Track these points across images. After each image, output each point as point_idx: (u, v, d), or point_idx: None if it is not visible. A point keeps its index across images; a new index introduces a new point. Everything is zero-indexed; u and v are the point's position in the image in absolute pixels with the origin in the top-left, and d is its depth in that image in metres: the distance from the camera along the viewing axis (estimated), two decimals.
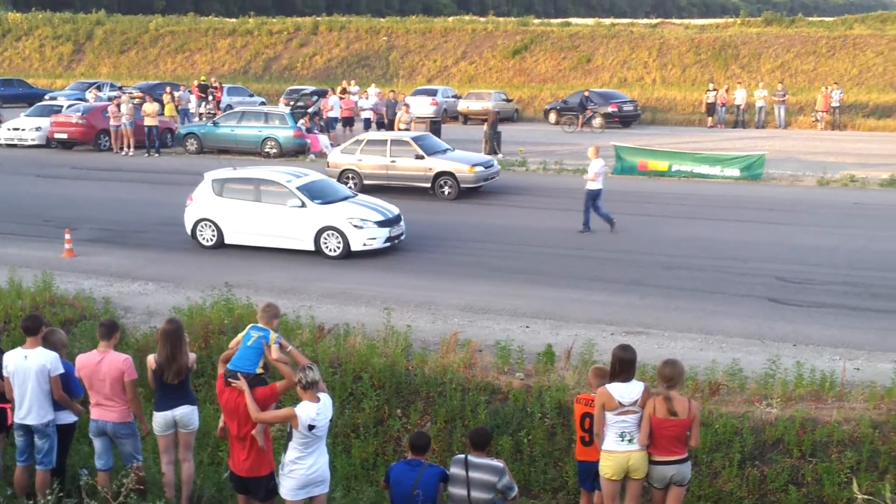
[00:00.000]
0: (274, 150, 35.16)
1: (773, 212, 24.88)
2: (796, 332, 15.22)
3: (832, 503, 10.46)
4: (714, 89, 45.94)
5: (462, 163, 27.22)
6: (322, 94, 42.32)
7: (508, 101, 49.64)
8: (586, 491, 9.65)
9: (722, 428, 11.28)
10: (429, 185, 26.88)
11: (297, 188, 20.37)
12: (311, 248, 20.07)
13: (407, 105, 37.18)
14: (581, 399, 9.57)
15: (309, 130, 36.50)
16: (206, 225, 20.90)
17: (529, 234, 22.32)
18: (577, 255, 20.25)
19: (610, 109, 44.75)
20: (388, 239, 20.22)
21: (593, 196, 22.43)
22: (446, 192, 26.76)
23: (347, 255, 19.83)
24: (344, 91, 42.38)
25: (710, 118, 45.51)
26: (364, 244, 19.91)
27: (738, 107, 45.53)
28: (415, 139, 27.94)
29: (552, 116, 47.51)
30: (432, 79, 58.91)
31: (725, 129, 44.77)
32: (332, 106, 39.54)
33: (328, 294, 17.49)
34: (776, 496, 10.73)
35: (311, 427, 8.53)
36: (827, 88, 44.72)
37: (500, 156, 34.47)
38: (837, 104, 44.01)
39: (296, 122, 35.95)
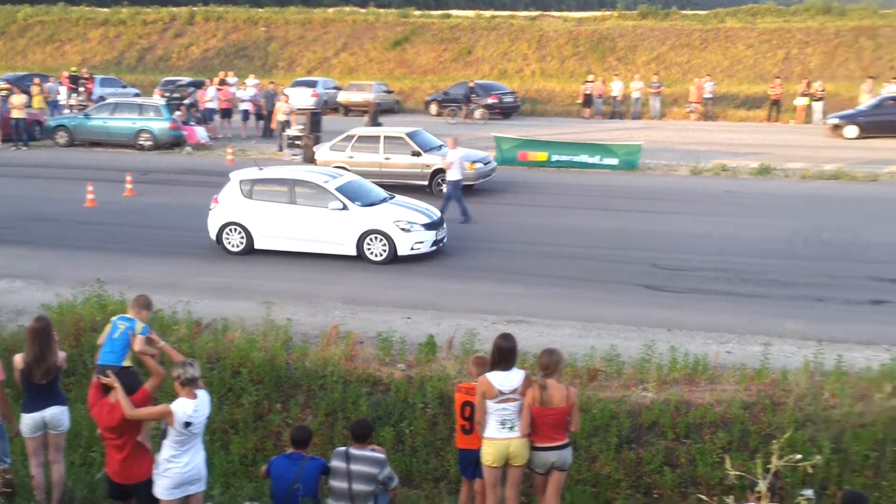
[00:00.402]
0: (149, 143, 34.32)
1: (649, 200, 25.42)
2: (671, 318, 15.58)
3: (705, 483, 10.74)
4: (591, 81, 46.69)
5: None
6: (199, 85, 41.51)
7: (389, 92, 49.51)
8: (467, 479, 9.69)
9: (600, 413, 11.47)
10: (426, 182, 25.90)
11: (336, 189, 19.29)
12: (353, 252, 18.97)
13: (286, 95, 36.74)
14: (461, 388, 9.60)
15: (185, 122, 35.75)
16: (233, 229, 19.57)
17: None
18: (457, 246, 20.30)
19: (491, 101, 45.04)
20: (435, 242, 19.27)
21: (458, 186, 22.77)
22: (445, 190, 25.10)
23: (393, 259, 18.78)
24: (222, 82, 41.63)
25: (587, 109, 46.24)
26: (412, 248, 18.89)
27: (614, 98, 46.36)
28: (409, 135, 26.88)
29: (433, 108, 47.59)
30: (312, 70, 58.36)
31: (602, 120, 45.55)
32: (211, 97, 38.84)
33: (206, 289, 17.16)
34: (651, 477, 10.97)
35: (187, 424, 8.35)
36: (700, 80, 45.90)
37: None
38: (710, 95, 45.20)
39: (171, 114, 35.16)
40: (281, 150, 33.33)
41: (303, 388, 12.57)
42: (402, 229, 18.84)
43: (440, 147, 26.87)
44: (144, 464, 8.76)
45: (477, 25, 60.40)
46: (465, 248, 20.15)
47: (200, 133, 35.75)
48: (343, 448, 9.01)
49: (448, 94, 47.25)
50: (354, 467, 8.79)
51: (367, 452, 8.91)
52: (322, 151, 27.15)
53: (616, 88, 46.20)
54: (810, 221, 22.37)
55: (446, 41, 58.93)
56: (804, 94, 42.84)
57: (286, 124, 34.16)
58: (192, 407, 8.37)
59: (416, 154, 26.04)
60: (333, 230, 19.03)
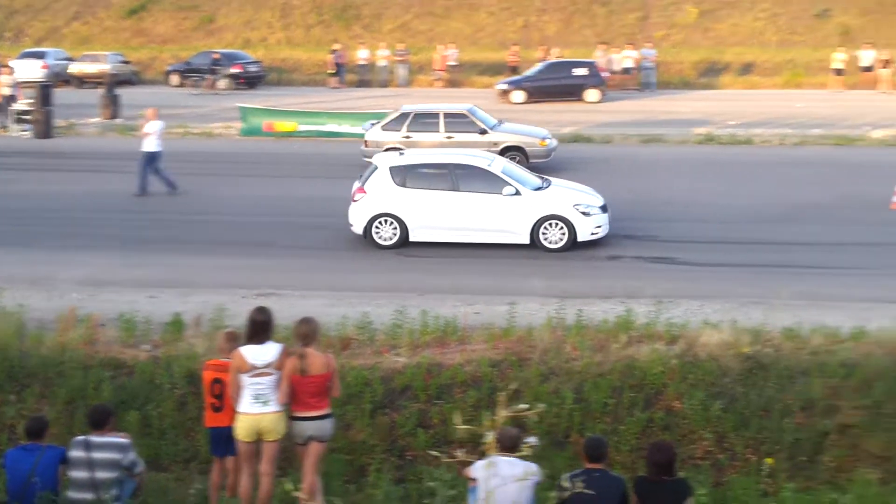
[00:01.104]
0: None
1: None
2: (422, 282, 15.86)
3: (458, 441, 10.89)
4: (337, 49, 46.47)
5: (530, 136, 25.04)
6: None
7: (126, 62, 47.47)
8: (218, 457, 9.49)
9: (353, 380, 11.47)
10: None
11: (503, 172, 17.93)
12: (526, 241, 17.50)
13: (9, 68, 34.42)
14: (210, 365, 9.41)
15: None
16: (385, 221, 17.78)
17: (152, 202, 21.57)
18: (196, 220, 19.79)
19: (235, 70, 44.07)
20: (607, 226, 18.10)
21: (151, 158, 22.07)
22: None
23: (572, 246, 17.46)
24: None
25: (335, 78, 46.06)
26: (592, 233, 17.60)
27: (361, 66, 46.43)
28: (471, 111, 25.46)
29: (175, 78, 45.99)
30: (41, 41, 55.02)
31: (349, 88, 45.47)
32: None
33: None
34: (406, 440, 11.10)
35: None
36: (444, 48, 46.66)
37: (119, 121, 32.97)
38: (454, 63, 46.05)
39: None
40: (4, 127, 31.32)
41: (39, 377, 11.84)
42: (583, 213, 17.60)
43: (500, 123, 25.85)
44: None
45: None
46: (205, 221, 19.65)
47: None
48: (82, 437, 8.60)
49: (190, 64, 45.80)
50: (96, 455, 8.43)
51: (108, 439, 8.55)
52: (373, 132, 25.17)
53: (362, 57, 46.28)
54: None
55: (186, 9, 57.02)
56: (542, 61, 44.34)
57: (12, 99, 32.02)
58: None
59: (483, 132, 24.72)
60: (506, 217, 17.60)
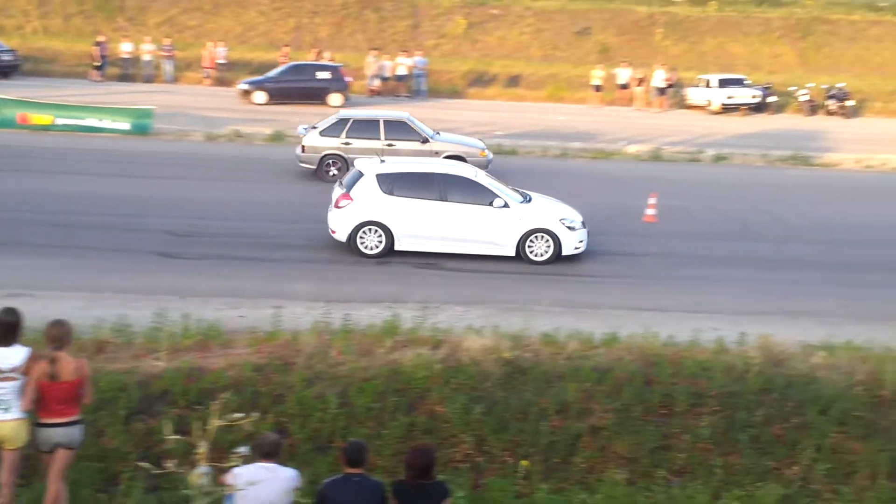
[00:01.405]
0: None
1: (163, 166, 24.87)
2: (184, 285, 15.50)
3: (216, 445, 10.63)
4: (102, 42, 44.55)
5: (469, 146, 24.77)
6: None
7: None
8: None
9: (107, 385, 10.97)
10: None
11: (490, 185, 18.02)
12: (512, 253, 17.72)
13: None
14: None
15: None
16: (370, 230, 17.42)
17: None
18: None
19: None
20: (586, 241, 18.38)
21: None
22: None
23: (556, 260, 17.66)
24: None
25: (97, 71, 44.15)
26: (575, 247, 17.94)
27: (125, 60, 44.74)
28: (409, 120, 24.81)
29: None
30: None
31: (111, 82, 43.67)
32: None
33: None
34: (160, 447, 10.72)
35: None
36: (213, 45, 45.65)
37: None
38: (223, 61, 45.12)
39: None
40: None
41: None
42: (568, 227, 17.89)
43: (437, 133, 25.13)
44: None
45: None
46: None
47: None
48: None
49: None
50: None
51: None
52: (311, 137, 23.92)
53: (126, 50, 44.57)
54: (309, 188, 23.02)
55: None
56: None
57: None
58: None
59: (426, 140, 24.13)
60: (495, 229, 17.72)
